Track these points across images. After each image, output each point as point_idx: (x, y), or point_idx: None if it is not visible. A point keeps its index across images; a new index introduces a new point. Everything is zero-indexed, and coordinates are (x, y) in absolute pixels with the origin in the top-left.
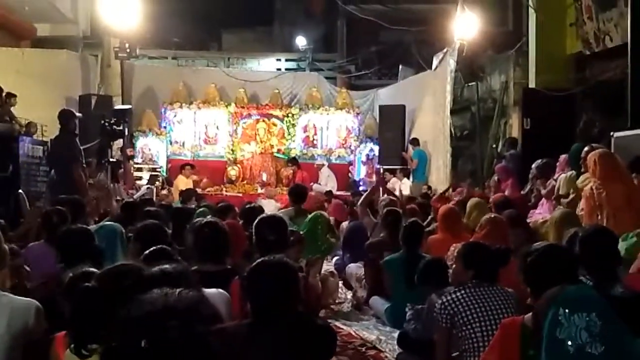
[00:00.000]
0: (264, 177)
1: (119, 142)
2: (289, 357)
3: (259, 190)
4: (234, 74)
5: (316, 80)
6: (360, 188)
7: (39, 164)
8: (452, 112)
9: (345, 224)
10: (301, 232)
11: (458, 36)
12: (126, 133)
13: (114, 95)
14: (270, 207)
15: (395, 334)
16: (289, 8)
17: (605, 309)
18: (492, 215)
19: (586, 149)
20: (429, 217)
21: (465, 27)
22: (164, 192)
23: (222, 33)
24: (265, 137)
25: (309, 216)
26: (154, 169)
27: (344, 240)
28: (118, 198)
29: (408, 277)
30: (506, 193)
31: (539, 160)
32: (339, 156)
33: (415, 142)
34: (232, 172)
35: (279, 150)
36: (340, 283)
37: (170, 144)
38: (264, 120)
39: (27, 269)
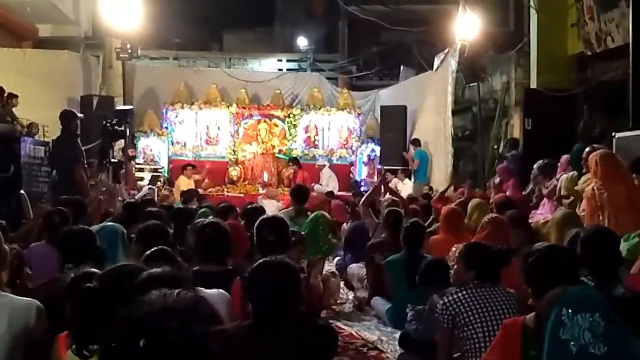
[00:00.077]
0: (266, 178)
1: (120, 143)
2: (291, 357)
3: (260, 191)
4: (235, 75)
5: (317, 81)
6: (362, 188)
7: (41, 165)
8: (453, 112)
9: (345, 225)
10: (302, 233)
11: (459, 37)
12: (128, 134)
13: (115, 95)
14: (272, 207)
15: (397, 335)
16: (290, 8)
17: (608, 309)
18: (494, 216)
19: (587, 149)
20: (430, 218)
21: (467, 27)
22: (165, 192)
23: (224, 33)
24: (266, 137)
25: (310, 216)
26: (155, 170)
27: (346, 240)
28: (120, 199)
29: (409, 278)
30: (507, 194)
31: (541, 161)
32: (340, 157)
33: (416, 142)
34: (234, 172)
35: (280, 151)
36: (342, 283)
37: (172, 144)
38: (265, 121)
39: (29, 271)
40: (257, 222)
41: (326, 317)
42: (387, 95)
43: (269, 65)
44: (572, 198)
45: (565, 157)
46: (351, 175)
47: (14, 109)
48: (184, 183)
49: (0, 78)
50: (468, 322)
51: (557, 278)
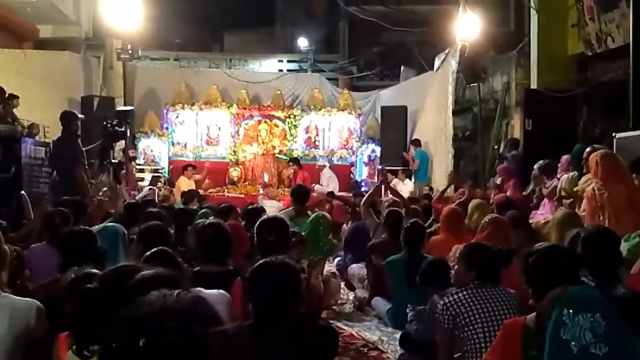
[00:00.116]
0: (266, 178)
1: (121, 144)
2: (291, 358)
3: (261, 191)
4: (236, 75)
5: (318, 82)
6: (362, 189)
7: (41, 166)
8: (453, 113)
9: (346, 225)
10: (303, 233)
11: (460, 37)
12: (128, 134)
13: (116, 96)
14: (272, 208)
15: (397, 335)
16: (291, 9)
17: (609, 309)
18: (494, 216)
19: (588, 149)
20: (431, 218)
21: (467, 28)
22: (165, 192)
23: (224, 34)
24: (267, 138)
25: (311, 217)
26: (156, 170)
27: (346, 241)
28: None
29: (410, 278)
30: (508, 194)
31: (541, 161)
32: (340, 157)
33: (416, 143)
34: (234, 173)
35: (280, 152)
36: (342, 284)
37: (172, 145)
38: (265, 122)
39: (28, 272)
40: (258, 222)
41: (327, 317)
42: (387, 96)
43: (270, 65)
44: (571, 199)
45: (565, 158)
46: (352, 175)
47: (14, 110)
48: (185, 184)
49: (1, 79)
50: (468, 322)
51: (557, 278)
